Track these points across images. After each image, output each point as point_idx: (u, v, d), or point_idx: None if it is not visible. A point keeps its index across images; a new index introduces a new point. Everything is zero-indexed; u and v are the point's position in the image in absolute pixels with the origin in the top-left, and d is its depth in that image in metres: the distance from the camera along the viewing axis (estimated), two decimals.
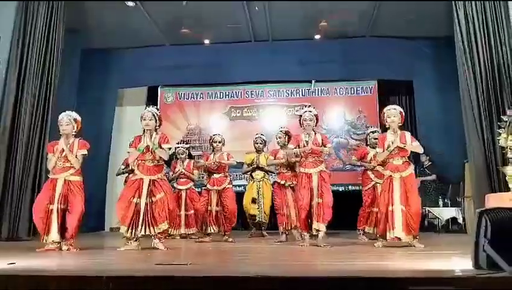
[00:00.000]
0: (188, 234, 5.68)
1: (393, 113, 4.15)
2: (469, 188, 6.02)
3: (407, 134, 4.19)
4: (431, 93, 7.32)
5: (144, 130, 4.00)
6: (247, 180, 6.69)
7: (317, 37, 7.78)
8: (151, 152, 3.92)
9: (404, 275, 2.22)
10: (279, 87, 8.24)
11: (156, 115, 4.02)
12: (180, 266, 2.57)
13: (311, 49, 7.78)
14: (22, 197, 5.34)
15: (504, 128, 4.13)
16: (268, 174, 5.85)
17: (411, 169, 4.09)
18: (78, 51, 7.25)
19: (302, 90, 8.20)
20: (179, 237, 5.58)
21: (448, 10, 5.99)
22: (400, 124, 4.20)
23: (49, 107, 5.73)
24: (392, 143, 4.07)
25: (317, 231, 4.12)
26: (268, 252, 3.99)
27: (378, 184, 4.98)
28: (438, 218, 6.43)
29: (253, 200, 5.76)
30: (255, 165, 5.76)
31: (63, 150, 3.94)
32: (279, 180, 5.12)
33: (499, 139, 4.65)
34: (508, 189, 4.00)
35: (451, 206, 6.49)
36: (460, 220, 6.35)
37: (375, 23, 7.22)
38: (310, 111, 4.42)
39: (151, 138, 3.95)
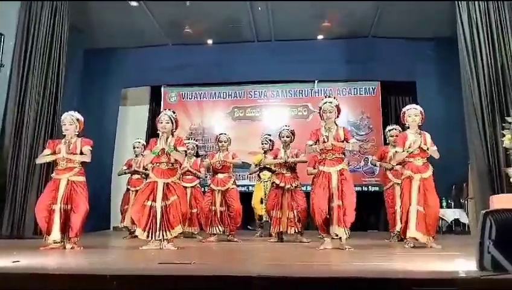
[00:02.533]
0: (193, 234, 5.68)
1: (414, 112, 4.08)
2: (472, 189, 6.00)
3: (428, 136, 4.09)
4: (434, 94, 7.29)
5: (160, 133, 3.98)
6: (250, 180, 6.70)
7: (320, 37, 7.77)
8: (167, 155, 3.92)
9: (407, 276, 2.21)
10: (282, 87, 8.23)
11: (172, 118, 4.02)
12: (184, 265, 2.57)
13: (314, 49, 7.76)
14: (28, 196, 5.36)
15: (508, 129, 4.12)
16: None
17: (431, 171, 4.00)
18: (81, 50, 7.26)
19: (305, 90, 8.19)
20: (182, 236, 5.57)
21: (452, 11, 5.96)
22: (420, 124, 4.11)
23: (54, 107, 5.75)
24: (414, 143, 3.98)
25: (337, 235, 3.82)
26: (272, 252, 3.99)
27: (396, 184, 4.93)
28: (442, 219, 6.41)
29: (261, 201, 5.75)
30: (262, 166, 5.77)
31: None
32: (277, 182, 4.93)
33: (502, 140, 4.64)
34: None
35: (454, 208, 6.47)
36: (464, 221, 6.33)
37: (378, 24, 7.21)
38: (330, 102, 4.01)
39: (166, 140, 3.95)
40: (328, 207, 3.82)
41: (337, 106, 4.04)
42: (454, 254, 3.36)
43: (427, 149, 4.00)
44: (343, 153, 4.02)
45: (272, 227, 4.96)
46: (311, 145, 4.02)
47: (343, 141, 3.96)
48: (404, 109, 4.24)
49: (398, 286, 1.92)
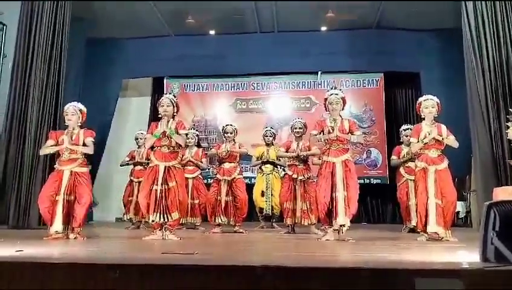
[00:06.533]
0: (195, 225, 5.68)
1: (431, 103, 3.98)
2: (475, 182, 5.98)
3: (443, 127, 4.00)
4: (438, 86, 7.20)
5: (162, 117, 3.99)
6: (252, 172, 6.66)
7: (323, 28, 7.71)
8: (168, 138, 3.92)
9: (410, 266, 2.21)
10: (285, 79, 8.20)
11: (173, 101, 4.02)
12: (187, 255, 2.58)
13: (317, 40, 7.72)
14: (32, 186, 5.38)
15: None
16: (277, 167, 5.83)
17: (446, 163, 3.92)
18: (83, 40, 7.23)
19: (308, 82, 8.16)
20: (185, 228, 5.59)
21: (456, 2, 5.90)
22: (436, 115, 4.02)
23: (57, 96, 5.75)
24: (429, 134, 3.89)
25: (341, 226, 3.78)
26: (276, 243, 3.99)
27: (409, 180, 4.94)
28: None
29: (262, 194, 5.75)
30: (265, 159, 5.75)
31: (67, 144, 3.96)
32: (290, 173, 4.94)
33: (507, 132, 4.61)
34: None
35: (457, 200, 6.46)
36: (466, 214, 6.33)
37: (382, 15, 7.14)
38: (336, 94, 4.02)
39: (168, 124, 3.95)
40: (330, 197, 3.82)
41: (343, 98, 4.05)
42: (457, 246, 3.36)
43: (442, 140, 3.91)
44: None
45: (285, 219, 4.96)
46: (316, 135, 4.04)
47: (348, 133, 3.96)
48: (420, 99, 4.14)
49: (401, 277, 1.92)
